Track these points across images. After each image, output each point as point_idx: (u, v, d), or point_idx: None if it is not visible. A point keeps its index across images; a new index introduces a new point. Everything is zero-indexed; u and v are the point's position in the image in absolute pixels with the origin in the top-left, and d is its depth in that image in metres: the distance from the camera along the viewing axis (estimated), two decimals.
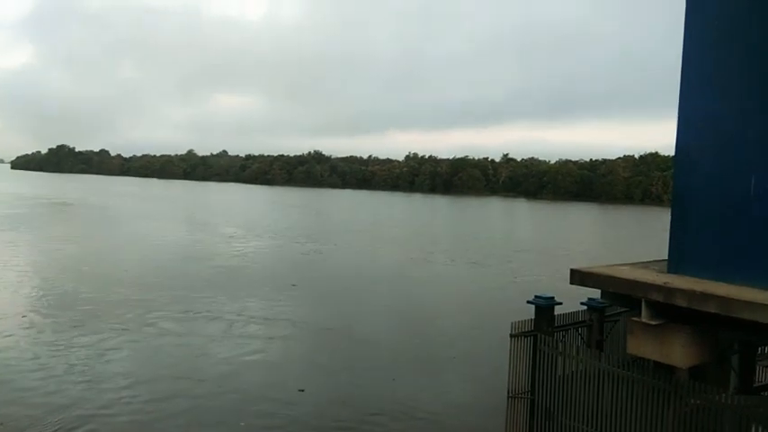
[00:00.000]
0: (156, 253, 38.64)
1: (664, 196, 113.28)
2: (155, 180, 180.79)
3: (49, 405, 13.43)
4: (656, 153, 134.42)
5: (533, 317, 11.82)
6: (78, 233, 47.93)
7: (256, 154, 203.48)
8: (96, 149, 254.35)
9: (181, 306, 23.70)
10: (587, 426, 10.85)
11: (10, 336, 18.93)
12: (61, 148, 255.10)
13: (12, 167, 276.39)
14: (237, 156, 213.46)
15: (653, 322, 9.74)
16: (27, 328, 20.07)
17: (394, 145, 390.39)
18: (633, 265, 11.81)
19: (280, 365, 17.47)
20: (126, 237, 47.11)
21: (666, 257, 11.02)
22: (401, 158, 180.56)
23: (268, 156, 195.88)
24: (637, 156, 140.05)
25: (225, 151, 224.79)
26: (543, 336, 11.53)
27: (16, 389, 14.42)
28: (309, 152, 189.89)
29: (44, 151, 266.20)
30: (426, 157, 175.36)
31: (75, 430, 12.27)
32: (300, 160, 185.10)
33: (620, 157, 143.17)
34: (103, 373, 15.85)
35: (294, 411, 14.13)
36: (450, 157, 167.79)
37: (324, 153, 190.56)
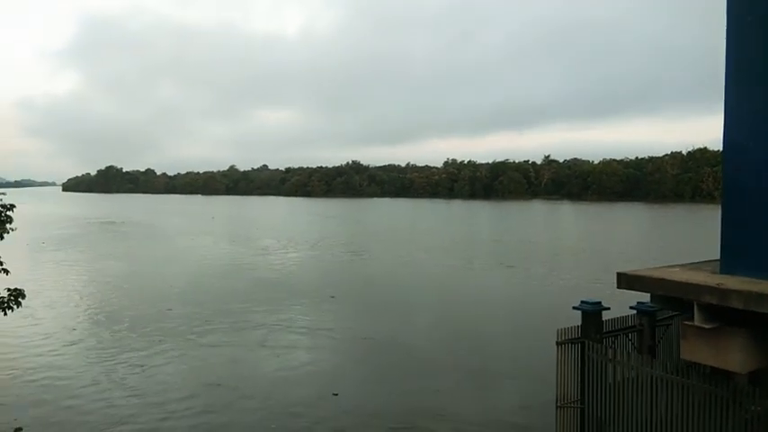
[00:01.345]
0: (200, 268, 39.50)
1: (715, 193, 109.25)
2: (199, 196, 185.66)
3: (102, 416, 13.78)
4: (705, 148, 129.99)
5: (580, 323, 11.51)
6: (125, 251, 49.53)
7: (296, 167, 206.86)
8: (142, 169, 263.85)
9: (225, 319, 24.12)
10: None
11: (60, 347, 19.64)
12: (109, 169, 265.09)
13: (63, 189, 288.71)
14: (277, 169, 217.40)
15: (707, 326, 9.33)
16: (76, 342, 20.77)
17: (432, 152, 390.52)
18: (683, 266, 11.36)
19: (317, 375, 17.62)
20: (171, 253, 48.38)
21: (719, 257, 10.57)
22: (439, 165, 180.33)
23: (307, 168, 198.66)
24: (685, 152, 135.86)
25: (265, 165, 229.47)
26: (591, 342, 11.19)
27: (70, 398, 14.87)
28: (347, 163, 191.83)
29: (93, 173, 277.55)
30: (465, 162, 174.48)
31: None
32: (339, 171, 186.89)
33: (667, 154, 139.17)
34: (154, 383, 16.21)
35: (327, 417, 14.34)
36: (490, 162, 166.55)
37: (362, 163, 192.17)
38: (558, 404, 11.49)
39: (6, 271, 14.93)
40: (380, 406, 15.31)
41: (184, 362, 18.85)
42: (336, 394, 15.81)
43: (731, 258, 10.20)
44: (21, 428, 9.81)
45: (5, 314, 14.55)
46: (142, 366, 18.27)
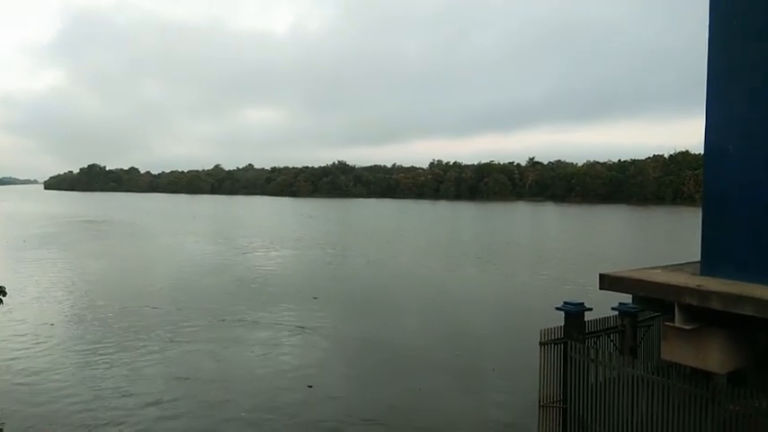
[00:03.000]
0: (180, 267, 39.19)
1: (696, 195, 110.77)
2: (183, 195, 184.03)
3: (76, 413, 13.60)
4: (687, 152, 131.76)
5: (563, 324, 11.61)
6: (106, 250, 49.01)
7: (281, 166, 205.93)
8: (126, 167, 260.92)
9: (204, 317, 23.95)
10: None
11: (38, 344, 19.37)
12: (92, 167, 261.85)
13: (45, 188, 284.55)
14: (263, 169, 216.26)
15: (688, 327, 9.46)
16: (54, 339, 20.50)
17: (418, 153, 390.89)
18: (665, 268, 11.51)
19: (294, 369, 17.81)
20: (152, 252, 47.98)
21: (699, 259, 10.73)
22: (425, 166, 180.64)
23: (293, 168, 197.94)
24: (667, 155, 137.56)
25: (251, 165, 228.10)
26: (574, 343, 11.29)
27: (46, 394, 14.67)
28: (334, 163, 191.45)
29: (76, 171, 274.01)
30: (451, 163, 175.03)
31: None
32: (325, 171, 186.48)
33: (649, 157, 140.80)
34: (129, 378, 16.05)
35: (299, 407, 14.69)
36: (475, 163, 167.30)
37: (348, 163, 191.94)
38: (541, 403, 11.58)
39: None
40: (355, 399, 15.51)
41: (160, 357, 18.85)
42: (311, 386, 16.20)
43: (711, 260, 10.35)
44: (3, 423, 9.67)
45: None
46: (119, 362, 18.23)
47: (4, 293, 14.57)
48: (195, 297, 28.75)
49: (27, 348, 19.81)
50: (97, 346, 20.24)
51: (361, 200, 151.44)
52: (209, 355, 19.21)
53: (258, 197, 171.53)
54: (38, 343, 20.43)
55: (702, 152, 10.67)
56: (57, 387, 15.78)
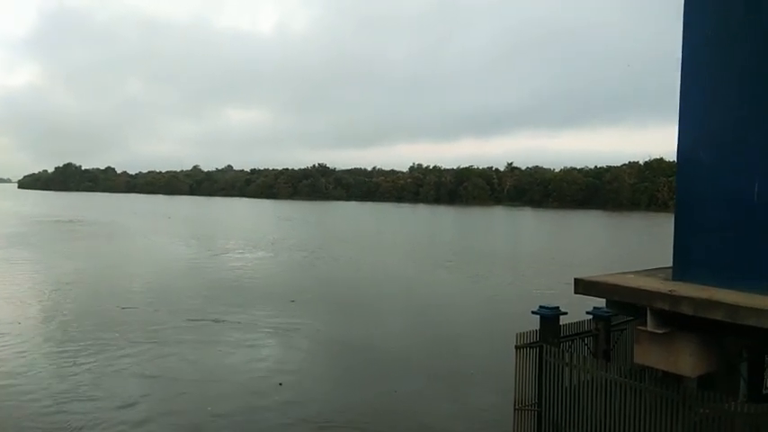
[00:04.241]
0: (156, 268, 38.71)
1: (670, 202, 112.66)
2: (160, 196, 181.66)
3: (41, 415, 13.32)
4: (662, 159, 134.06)
5: (538, 327, 11.71)
6: (80, 250, 48.16)
7: (261, 168, 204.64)
8: (102, 167, 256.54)
9: (178, 318, 23.67)
10: None
11: (4, 343, 18.96)
12: (68, 166, 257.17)
13: (19, 187, 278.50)
14: (242, 170, 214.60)
15: (659, 331, 9.61)
16: (22, 339, 20.07)
17: (399, 156, 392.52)
18: (638, 272, 11.68)
19: (266, 369, 17.84)
20: (127, 253, 47.34)
21: (671, 265, 10.91)
22: (405, 170, 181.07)
23: (273, 170, 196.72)
24: (642, 162, 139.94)
25: (230, 166, 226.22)
26: (549, 347, 11.40)
27: (11, 395, 14.34)
28: (314, 165, 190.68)
29: (50, 170, 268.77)
30: (431, 167, 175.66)
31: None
32: (305, 173, 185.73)
33: (625, 164, 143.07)
34: (99, 378, 15.79)
35: (268, 403, 14.88)
36: (455, 167, 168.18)
37: (328, 166, 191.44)
38: (516, 407, 11.66)
39: None
40: (327, 399, 15.52)
41: (131, 359, 18.61)
42: (281, 384, 16.29)
43: (683, 265, 10.54)
44: None
45: None
46: (88, 363, 17.95)
47: None
48: (169, 298, 28.43)
49: None
50: (66, 346, 19.89)
51: (341, 203, 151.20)
52: (181, 356, 19.04)
53: (237, 199, 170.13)
54: (3, 344, 19.98)
55: (676, 159, 10.88)
56: (23, 389, 15.42)
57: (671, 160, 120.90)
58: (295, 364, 18.53)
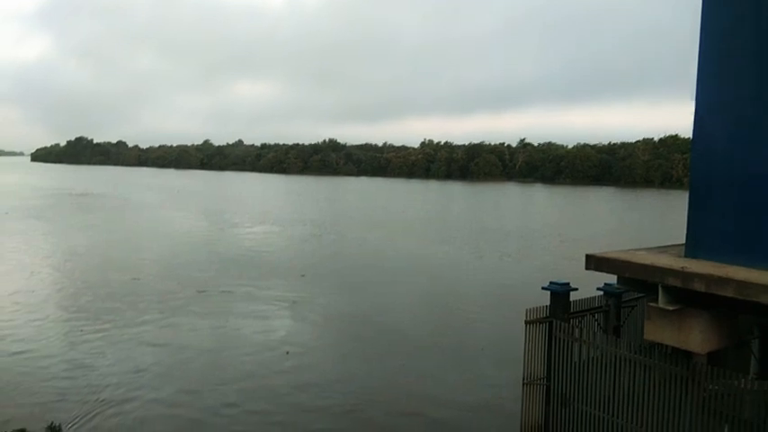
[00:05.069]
0: (167, 241, 39.08)
1: (684, 179, 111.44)
2: (171, 170, 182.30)
3: (57, 383, 13.62)
4: (677, 136, 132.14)
5: (548, 303, 11.74)
6: (93, 222, 48.72)
7: (272, 143, 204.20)
8: (114, 140, 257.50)
9: (189, 290, 23.98)
10: (604, 412, 10.77)
11: (19, 314, 19.34)
12: (79, 140, 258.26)
13: (32, 160, 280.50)
14: (253, 145, 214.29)
15: (670, 307, 9.60)
16: (36, 309, 20.43)
17: (411, 132, 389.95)
18: (650, 249, 11.64)
19: (275, 338, 18.24)
20: (138, 226, 47.78)
21: (684, 242, 10.84)
22: (417, 145, 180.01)
23: (283, 145, 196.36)
24: (657, 138, 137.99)
25: (241, 141, 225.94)
26: (559, 322, 11.44)
27: (26, 365, 14.67)
28: (324, 140, 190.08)
29: (63, 143, 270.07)
30: (442, 143, 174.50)
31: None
32: (316, 149, 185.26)
33: (639, 140, 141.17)
34: (112, 348, 16.09)
35: (276, 370, 15.35)
36: (467, 144, 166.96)
37: (339, 141, 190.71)
38: (525, 381, 11.76)
39: None
40: (330, 367, 15.81)
41: (141, 327, 19.03)
42: (288, 353, 16.69)
43: (695, 243, 10.48)
44: None
45: None
46: (100, 331, 18.39)
47: None
48: (180, 270, 28.81)
49: (6, 316, 19.83)
50: (79, 315, 20.38)
51: (352, 178, 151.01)
52: (191, 326, 19.42)
53: (247, 173, 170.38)
54: (19, 312, 20.37)
55: (692, 135, 10.72)
56: (38, 355, 15.81)
57: (686, 137, 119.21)
58: (303, 336, 18.79)
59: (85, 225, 46.94)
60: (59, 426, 10.79)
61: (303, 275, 28.09)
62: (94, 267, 29.65)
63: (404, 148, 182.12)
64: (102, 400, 12.86)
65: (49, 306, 21.78)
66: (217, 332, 18.96)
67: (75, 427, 11.39)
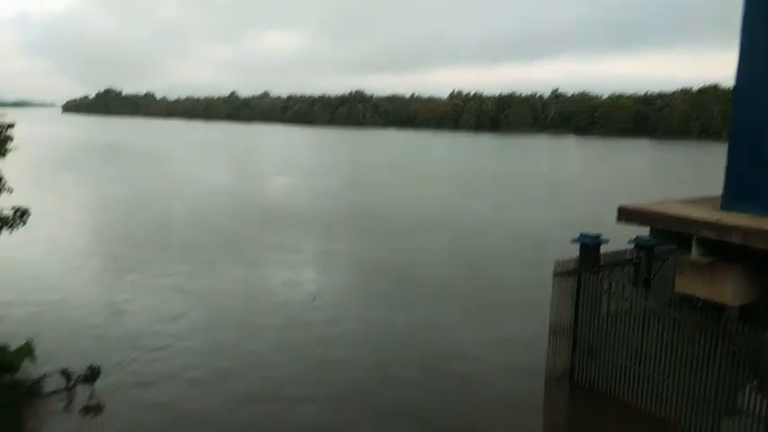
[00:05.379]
0: (199, 192, 39.65)
1: (722, 131, 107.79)
2: (199, 122, 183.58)
3: (102, 331, 14.24)
4: (717, 85, 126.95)
5: (577, 256, 11.68)
6: (126, 174, 49.68)
7: (298, 95, 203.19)
8: (142, 91, 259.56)
9: (219, 239, 24.51)
10: (630, 363, 10.84)
11: (61, 266, 20.13)
12: (108, 92, 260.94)
13: (63, 111, 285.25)
14: (279, 97, 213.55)
15: (704, 260, 9.49)
16: (78, 260, 21.20)
17: (440, 82, 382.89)
18: (684, 201, 11.42)
19: (302, 286, 18.24)
20: (169, 177, 48.45)
21: (720, 194, 10.59)
22: (445, 96, 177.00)
23: (309, 96, 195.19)
24: (695, 88, 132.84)
25: (267, 92, 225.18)
26: (588, 274, 11.41)
27: (72, 315, 15.36)
28: (351, 92, 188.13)
29: (92, 95, 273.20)
30: (471, 94, 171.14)
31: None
32: (342, 100, 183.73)
33: (677, 90, 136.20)
34: (147, 294, 16.72)
35: (301, 316, 15.81)
36: (497, 94, 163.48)
37: (366, 92, 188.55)
38: (552, 332, 11.87)
39: (10, 190, 15.06)
40: (355, 316, 16.09)
41: (174, 275, 19.51)
42: (315, 299, 17.03)
43: (732, 195, 10.23)
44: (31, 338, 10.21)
45: (10, 232, 14.81)
46: (135, 278, 18.99)
47: (28, 215, 14.99)
48: (210, 220, 29.39)
49: (43, 262, 20.64)
50: (113, 263, 21.06)
51: (378, 130, 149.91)
52: (221, 274, 19.86)
53: (274, 126, 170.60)
54: (55, 260, 21.18)
55: (733, 86, 10.33)
56: (75, 303, 16.36)
57: (727, 87, 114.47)
58: (330, 285, 19.12)
59: (116, 175, 47.98)
60: (99, 367, 11.27)
61: (330, 227, 28.36)
62: (125, 217, 30.47)
63: (432, 99, 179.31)
64: (138, 345, 13.38)
65: (83, 254, 22.56)
66: (246, 281, 19.44)
67: (113, 369, 11.91)
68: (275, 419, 10.46)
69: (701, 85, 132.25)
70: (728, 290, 9.40)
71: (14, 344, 10.36)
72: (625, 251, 12.36)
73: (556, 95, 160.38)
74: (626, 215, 10.70)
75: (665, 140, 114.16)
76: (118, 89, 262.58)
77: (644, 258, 12.18)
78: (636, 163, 70.54)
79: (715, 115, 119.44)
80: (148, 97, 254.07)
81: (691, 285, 9.79)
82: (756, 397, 9.14)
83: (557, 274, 11.61)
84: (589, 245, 11.51)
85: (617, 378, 11.07)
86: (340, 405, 10.96)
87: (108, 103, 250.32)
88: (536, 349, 12.54)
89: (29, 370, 11.04)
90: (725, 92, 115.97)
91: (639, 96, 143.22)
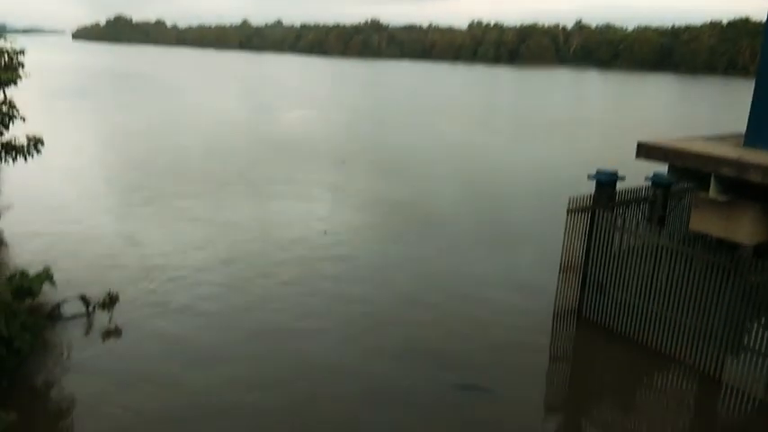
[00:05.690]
0: (210, 124, 39.40)
1: (750, 67, 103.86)
2: (210, 51, 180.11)
3: (113, 259, 14.54)
4: (748, 19, 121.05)
5: (591, 193, 11.55)
6: (139, 103, 49.38)
7: (311, 23, 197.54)
8: (152, 19, 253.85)
9: (234, 173, 24.56)
10: (639, 299, 10.92)
11: (76, 194, 20.38)
12: (118, 19, 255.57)
13: (73, 38, 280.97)
14: (292, 26, 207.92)
15: (721, 198, 9.34)
16: (91, 190, 21.43)
17: (458, 11, 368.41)
18: (707, 138, 11.12)
19: (313, 219, 18.78)
20: (181, 107, 48.14)
21: (744, 131, 10.29)
22: (464, 27, 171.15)
23: (323, 25, 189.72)
24: (725, 21, 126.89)
25: (279, 21, 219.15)
26: (602, 211, 11.32)
27: (85, 240, 15.65)
28: (366, 21, 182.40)
29: (102, 22, 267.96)
30: (491, 24, 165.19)
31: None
32: (357, 29, 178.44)
33: (705, 23, 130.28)
34: (168, 223, 16.97)
35: (313, 246, 16.15)
36: (518, 25, 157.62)
37: (381, 22, 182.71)
38: (562, 268, 11.92)
39: (23, 118, 15.06)
40: (364, 248, 16.29)
41: (188, 207, 19.67)
42: (326, 232, 17.24)
43: (757, 131, 9.93)
44: (49, 267, 10.46)
45: (26, 160, 14.91)
46: (150, 209, 19.18)
47: (42, 143, 15.02)
48: (222, 153, 29.38)
49: (60, 189, 20.94)
50: (127, 194, 21.19)
51: (394, 62, 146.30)
52: (234, 207, 19.99)
53: (286, 55, 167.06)
54: (70, 188, 21.41)
55: (765, 18, 9.82)
56: (93, 234, 16.58)
57: (758, 20, 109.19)
58: (341, 218, 19.21)
59: (128, 105, 47.69)
60: (117, 294, 11.57)
61: (344, 161, 28.21)
62: (139, 146, 30.49)
63: (450, 29, 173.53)
64: (154, 272, 13.69)
65: (99, 183, 22.76)
66: (258, 211, 19.59)
67: (130, 295, 12.23)
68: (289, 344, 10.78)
69: (732, 18, 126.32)
70: (744, 228, 9.29)
71: (33, 271, 10.61)
72: (641, 189, 12.19)
73: (579, 27, 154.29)
74: (645, 151, 10.47)
75: (691, 76, 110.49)
76: (128, 16, 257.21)
77: (660, 196, 12.01)
78: (663, 99, 68.64)
79: (743, 50, 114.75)
80: (159, 24, 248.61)
81: (706, 223, 9.69)
82: (764, 335, 9.21)
83: (570, 211, 11.53)
84: (605, 182, 11.36)
85: (624, 315, 11.19)
86: (353, 337, 11.20)
87: (118, 31, 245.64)
88: (547, 285, 12.63)
89: (48, 295, 11.36)
90: (756, 25, 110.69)
91: (666, 29, 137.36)
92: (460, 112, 50.26)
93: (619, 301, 11.27)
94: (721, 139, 10.92)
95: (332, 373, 9.90)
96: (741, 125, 10.55)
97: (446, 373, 10.01)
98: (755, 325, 9.34)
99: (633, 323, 11.04)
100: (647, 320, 10.80)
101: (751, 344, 9.45)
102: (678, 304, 10.34)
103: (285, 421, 8.68)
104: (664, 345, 10.57)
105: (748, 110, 10.13)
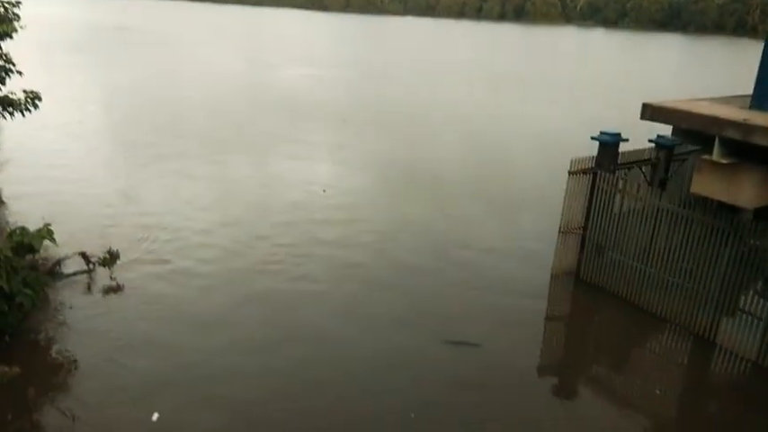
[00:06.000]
0: (209, 82, 38.74)
1: (759, 27, 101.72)
2: (207, 4, 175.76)
3: (113, 217, 14.54)
4: None
5: (593, 155, 11.45)
6: (134, 59, 48.35)
7: None
8: None
9: (234, 132, 24.36)
10: (637, 262, 10.96)
11: (75, 152, 20.26)
12: None
13: None
14: None
15: (724, 161, 9.25)
16: (90, 146, 21.27)
17: None
18: (713, 99, 10.95)
19: (313, 177, 18.75)
20: (179, 64, 47.05)
21: (751, 93, 10.13)
22: None
23: None
24: None
25: None
26: (603, 173, 11.25)
27: (84, 199, 15.63)
28: None
29: None
30: None
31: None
32: None
33: None
34: (158, 185, 16.92)
35: (309, 205, 16.11)
36: None
37: None
38: (562, 230, 11.92)
39: (20, 72, 14.81)
40: (363, 207, 16.31)
41: (188, 163, 19.56)
42: (325, 191, 17.20)
43: (764, 94, 9.77)
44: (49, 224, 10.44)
45: (24, 116, 14.75)
46: (149, 166, 19.01)
47: (40, 99, 14.82)
48: (221, 110, 28.98)
49: (59, 146, 20.75)
50: (126, 150, 20.95)
51: (397, 18, 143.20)
52: (233, 165, 19.85)
53: (285, 10, 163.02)
54: (69, 143, 21.22)
55: None
56: (94, 192, 16.40)
57: None
58: (341, 178, 19.10)
59: (128, 61, 46.76)
60: (117, 251, 11.59)
61: (344, 120, 27.89)
62: (137, 103, 29.99)
63: None
64: (152, 229, 13.67)
65: (97, 138, 22.51)
66: (257, 170, 19.46)
67: (129, 252, 12.23)
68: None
69: None
70: (746, 192, 9.23)
71: (32, 227, 10.59)
72: (644, 151, 12.08)
73: None
74: (650, 112, 10.32)
75: (698, 36, 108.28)
76: None
77: (662, 158, 11.92)
78: (670, 59, 67.42)
79: (753, 9, 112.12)
80: None
81: (707, 186, 9.62)
82: (760, 298, 9.28)
83: (572, 173, 11.45)
84: (607, 143, 11.24)
85: (621, 276, 11.25)
86: (351, 301, 11.28)
87: None
88: (546, 245, 12.66)
89: (48, 251, 11.38)
90: None
91: None
92: (463, 71, 49.45)
93: (616, 262, 11.32)
94: (727, 101, 10.75)
95: (328, 336, 9.98)
96: (748, 87, 10.37)
97: (443, 329, 10.14)
98: (751, 288, 9.40)
99: (630, 285, 11.12)
100: (645, 282, 10.88)
101: (746, 306, 9.53)
102: (676, 266, 10.38)
103: (281, 382, 8.79)
104: (660, 306, 10.67)
105: (756, 71, 9.95)
